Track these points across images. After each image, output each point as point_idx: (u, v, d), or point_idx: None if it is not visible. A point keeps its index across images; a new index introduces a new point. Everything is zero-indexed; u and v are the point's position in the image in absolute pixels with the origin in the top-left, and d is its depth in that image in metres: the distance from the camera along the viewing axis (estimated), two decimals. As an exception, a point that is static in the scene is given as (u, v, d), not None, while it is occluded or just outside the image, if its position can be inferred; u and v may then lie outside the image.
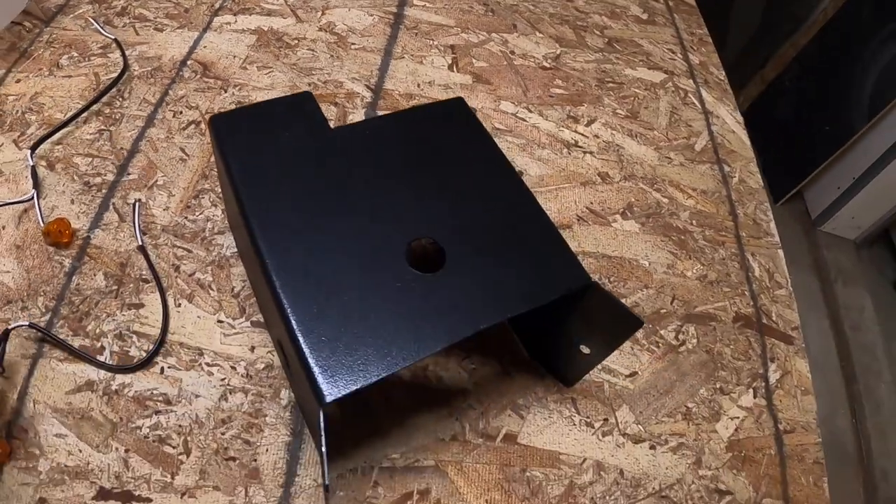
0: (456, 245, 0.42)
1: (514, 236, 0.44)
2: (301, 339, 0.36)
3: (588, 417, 0.51)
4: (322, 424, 0.34)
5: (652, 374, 0.54)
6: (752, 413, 0.53)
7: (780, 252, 0.67)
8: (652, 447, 0.50)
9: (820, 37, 1.75)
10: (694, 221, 0.66)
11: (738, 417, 0.53)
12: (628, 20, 0.89)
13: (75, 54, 0.70)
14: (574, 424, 0.50)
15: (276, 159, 0.45)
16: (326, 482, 0.35)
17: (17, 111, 0.64)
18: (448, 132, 0.50)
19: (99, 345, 0.49)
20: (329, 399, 0.34)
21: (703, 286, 0.61)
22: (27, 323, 0.48)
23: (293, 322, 0.37)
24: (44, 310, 0.50)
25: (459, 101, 0.52)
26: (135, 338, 0.50)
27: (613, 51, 0.84)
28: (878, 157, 1.59)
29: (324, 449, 0.35)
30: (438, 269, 0.41)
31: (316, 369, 0.35)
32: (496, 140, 0.50)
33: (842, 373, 1.58)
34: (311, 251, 0.40)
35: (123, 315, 0.51)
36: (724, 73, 0.85)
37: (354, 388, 0.35)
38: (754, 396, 0.55)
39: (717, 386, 0.55)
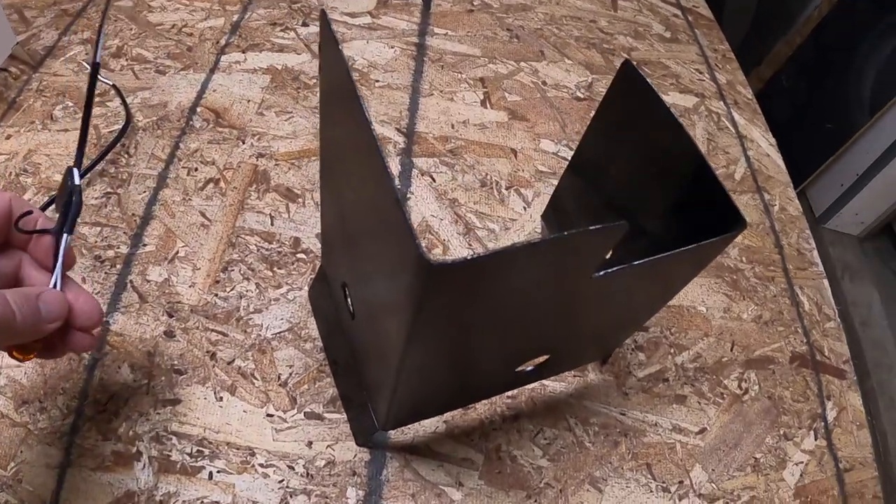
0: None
1: None
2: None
3: (664, 482, 0.48)
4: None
5: (720, 427, 0.52)
6: (814, 456, 0.53)
7: (826, 282, 0.66)
8: (726, 504, 0.49)
9: (816, 33, 1.74)
10: (744, 258, 0.64)
11: (802, 462, 0.52)
12: (652, 40, 0.87)
13: (70, 104, 0.64)
14: (651, 491, 0.48)
15: None
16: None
17: (11, 173, 0.57)
18: None
19: (134, 450, 0.43)
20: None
21: (759, 328, 0.59)
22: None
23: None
24: (66, 410, 0.44)
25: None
26: (175, 439, 0.44)
27: (643, 74, 0.81)
28: (881, 154, 1.59)
29: None
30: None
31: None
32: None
33: (854, 370, 1.58)
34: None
35: (158, 414, 0.45)
36: (751, 91, 0.82)
37: None
38: (815, 438, 0.54)
39: (781, 432, 0.53)
